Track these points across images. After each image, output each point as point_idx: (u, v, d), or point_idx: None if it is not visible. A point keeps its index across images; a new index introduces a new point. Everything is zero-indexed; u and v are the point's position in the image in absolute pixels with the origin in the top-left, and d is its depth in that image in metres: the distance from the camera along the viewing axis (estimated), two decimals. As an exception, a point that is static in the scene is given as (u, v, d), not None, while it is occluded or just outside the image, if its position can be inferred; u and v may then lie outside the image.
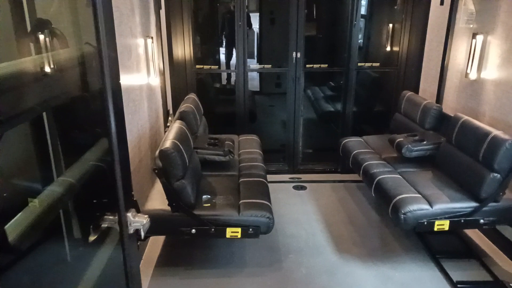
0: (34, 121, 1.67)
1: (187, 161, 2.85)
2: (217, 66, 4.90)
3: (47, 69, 1.63)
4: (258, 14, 7.40)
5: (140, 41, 3.37)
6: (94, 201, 1.72)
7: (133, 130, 3.11)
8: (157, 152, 2.72)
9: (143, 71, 3.45)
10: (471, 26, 3.48)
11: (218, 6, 6.52)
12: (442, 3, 4.00)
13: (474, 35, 3.39)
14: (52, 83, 1.72)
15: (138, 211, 1.42)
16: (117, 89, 1.31)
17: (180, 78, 4.50)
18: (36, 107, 1.51)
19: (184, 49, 4.47)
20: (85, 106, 2.01)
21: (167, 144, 2.68)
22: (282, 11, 4.71)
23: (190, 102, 3.84)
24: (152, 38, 3.64)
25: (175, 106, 4.33)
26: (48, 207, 1.47)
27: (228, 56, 6.61)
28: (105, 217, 1.37)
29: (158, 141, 3.80)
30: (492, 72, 3.23)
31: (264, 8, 7.01)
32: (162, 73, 4.02)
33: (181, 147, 2.79)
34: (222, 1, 6.81)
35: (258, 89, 7.32)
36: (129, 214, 1.37)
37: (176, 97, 4.38)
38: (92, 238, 1.40)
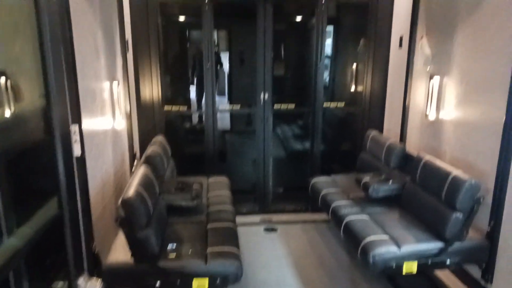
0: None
1: (151, 209, 2.76)
2: (186, 107, 4.91)
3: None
4: (228, 53, 7.55)
5: (106, 84, 3.33)
6: (47, 261, 1.61)
7: (96, 176, 3.01)
8: (120, 201, 2.63)
9: (108, 115, 3.39)
10: (428, 68, 3.65)
11: (188, 46, 6.61)
12: (400, 45, 4.20)
13: (431, 77, 3.55)
14: (6, 134, 1.64)
15: (98, 265, 1.33)
16: (66, 139, 1.26)
17: (148, 120, 4.45)
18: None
19: (152, 90, 4.46)
20: (39, 156, 1.93)
21: (130, 192, 2.59)
22: (251, 51, 4.85)
23: (158, 144, 3.79)
24: (118, 81, 3.61)
25: (143, 149, 4.26)
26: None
27: (198, 96, 6.64)
28: (53, 286, 1.28)
29: (123, 186, 3.69)
30: (449, 112, 3.36)
31: (234, 48, 7.16)
32: (129, 116, 3.97)
33: (145, 194, 2.71)
34: (192, 40, 6.92)
35: (229, 128, 7.34)
36: (80, 281, 1.29)
37: (144, 139, 4.31)
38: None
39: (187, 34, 6.56)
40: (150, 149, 3.64)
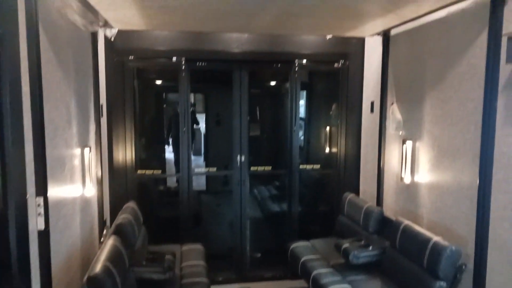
0: None
1: (120, 285, 2.56)
2: (161, 171, 4.82)
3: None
4: (204, 115, 7.62)
5: (77, 151, 3.22)
6: None
7: (61, 250, 2.80)
8: (86, 278, 2.43)
9: (77, 183, 3.25)
10: (401, 133, 3.75)
11: (165, 108, 6.64)
12: (372, 110, 4.34)
13: (404, 141, 3.64)
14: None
15: None
16: (22, 213, 1.15)
17: (120, 185, 4.31)
18: None
19: (125, 154, 4.36)
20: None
21: (97, 268, 2.41)
22: (227, 113, 4.93)
23: (129, 212, 3.62)
24: (90, 147, 3.51)
25: (113, 215, 4.06)
26: None
27: (174, 159, 6.56)
28: None
29: (91, 257, 3.45)
30: (424, 176, 3.41)
31: (210, 110, 7.25)
32: (100, 181, 3.83)
33: (113, 270, 2.52)
34: (169, 103, 6.98)
35: (204, 188, 7.21)
36: None
37: (115, 206, 4.12)
38: None
39: (163, 97, 6.63)
40: (121, 217, 3.47)
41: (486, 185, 2.61)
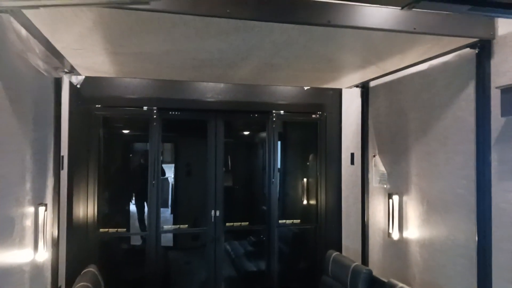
0: None
1: None
2: (125, 229, 4.40)
3: None
4: (173, 165, 7.28)
5: (30, 210, 2.81)
6: None
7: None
8: None
9: (28, 247, 2.80)
10: (385, 186, 3.60)
11: (132, 159, 6.26)
12: (352, 162, 4.21)
13: (390, 195, 3.47)
14: None
15: None
16: None
17: (80, 246, 3.83)
18: None
19: (87, 211, 3.94)
20: None
21: None
22: (199, 163, 4.69)
23: (88, 279, 3.17)
24: (46, 204, 3.10)
25: (70, 283, 3.55)
26: None
27: (140, 215, 6.09)
28: None
29: (39, 337, 2.92)
30: (414, 232, 3.22)
31: (181, 160, 6.93)
32: (56, 243, 3.36)
33: None
34: (137, 154, 6.61)
35: (171, 244, 6.69)
36: None
37: (73, 271, 3.63)
38: None
39: (131, 147, 6.27)
40: (79, 285, 3.01)
41: (487, 244, 2.43)
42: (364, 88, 3.92)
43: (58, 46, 2.61)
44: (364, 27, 2.12)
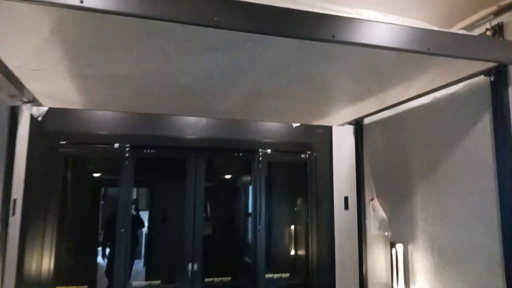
0: None
1: None
2: (87, 286, 3.76)
3: None
4: (147, 212, 6.71)
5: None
6: None
7: None
8: None
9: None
10: (386, 233, 3.20)
11: (101, 206, 5.69)
12: (346, 207, 3.83)
13: (392, 244, 3.07)
14: None
15: None
16: None
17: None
18: None
19: (41, 264, 3.34)
20: None
21: None
22: (175, 208, 4.21)
23: None
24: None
25: None
26: None
27: (108, 270, 5.40)
28: None
29: None
30: (423, 287, 2.79)
31: (155, 206, 6.39)
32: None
33: None
34: (106, 199, 6.05)
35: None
36: None
37: None
38: None
39: (99, 190, 5.72)
40: None
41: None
42: (358, 125, 3.64)
43: (12, 66, 2.21)
44: (372, 44, 1.83)
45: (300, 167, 4.25)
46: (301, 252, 4.28)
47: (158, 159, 4.27)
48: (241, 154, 4.06)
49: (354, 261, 3.58)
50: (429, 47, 1.89)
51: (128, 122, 3.65)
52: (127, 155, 3.67)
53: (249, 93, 2.69)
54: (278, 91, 2.64)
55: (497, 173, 2.20)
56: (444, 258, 2.62)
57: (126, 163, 3.67)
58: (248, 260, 4.02)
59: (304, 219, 4.26)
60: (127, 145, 3.66)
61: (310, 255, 4.09)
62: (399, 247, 3.01)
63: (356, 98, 2.83)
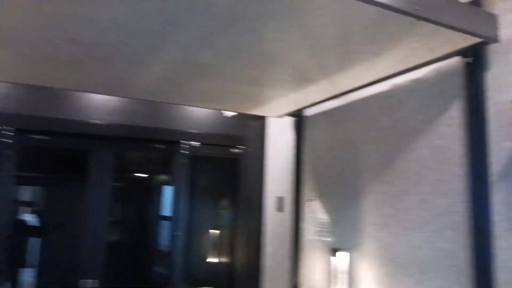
0: None
1: None
2: None
3: None
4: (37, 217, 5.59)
5: None
6: None
7: None
8: None
9: None
10: (327, 239, 2.82)
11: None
12: (280, 209, 3.39)
13: (334, 251, 2.69)
14: None
15: None
16: None
17: None
18: None
19: None
20: None
21: None
22: (71, 212, 3.42)
23: None
24: None
25: None
26: None
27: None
28: None
29: None
30: (371, 302, 2.44)
31: (49, 211, 5.32)
32: None
33: None
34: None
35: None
36: None
37: None
38: None
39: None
40: None
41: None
42: (299, 117, 3.23)
43: None
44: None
45: (230, 164, 3.72)
46: (226, 260, 3.75)
47: (52, 149, 3.41)
48: (158, 146, 3.40)
49: (285, 271, 3.15)
50: (418, 7, 1.51)
51: (12, 98, 2.78)
52: (10, 142, 2.80)
53: (177, 64, 2.09)
54: (213, 64, 2.08)
55: (468, 171, 1.90)
56: (399, 268, 2.28)
57: (9, 152, 2.80)
58: (163, 271, 3.38)
59: (231, 223, 3.74)
60: (11, 128, 2.80)
61: (236, 263, 3.58)
62: (342, 255, 2.64)
63: (305, 80, 2.38)
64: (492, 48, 1.83)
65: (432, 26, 1.61)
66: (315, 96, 2.72)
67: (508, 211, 1.76)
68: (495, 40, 1.77)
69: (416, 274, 2.17)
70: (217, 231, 3.96)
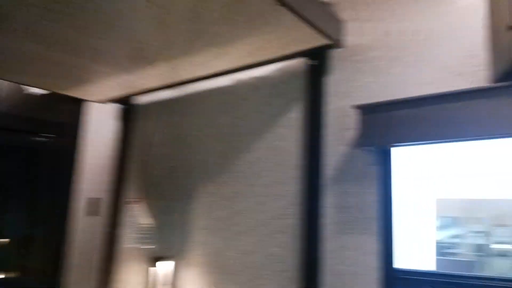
0: None
1: None
2: None
3: None
4: None
5: None
6: None
7: None
8: None
9: None
10: (148, 246, 2.47)
11: None
12: (94, 213, 2.85)
13: (155, 260, 2.36)
14: None
15: None
16: None
17: None
18: None
19: None
20: None
21: None
22: None
23: None
24: None
25: None
26: None
27: None
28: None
29: None
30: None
31: None
32: None
33: None
34: None
35: None
36: None
37: None
38: None
39: None
40: None
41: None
42: (128, 105, 2.79)
43: None
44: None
45: (31, 155, 2.94)
46: (15, 275, 2.94)
47: None
48: None
49: (92, 285, 2.65)
50: (283, -10, 1.38)
51: None
52: None
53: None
54: (12, 14, 1.51)
55: (305, 174, 1.89)
56: (229, 276, 2.12)
57: None
58: None
59: (25, 229, 2.96)
60: None
61: (27, 280, 2.83)
62: (166, 264, 2.34)
63: (142, 58, 2.01)
64: (336, 53, 1.88)
65: (290, 17, 1.51)
66: (151, 81, 2.37)
67: (337, 213, 1.80)
68: (341, 45, 1.81)
69: (247, 281, 2.05)
70: (6, 240, 3.09)
